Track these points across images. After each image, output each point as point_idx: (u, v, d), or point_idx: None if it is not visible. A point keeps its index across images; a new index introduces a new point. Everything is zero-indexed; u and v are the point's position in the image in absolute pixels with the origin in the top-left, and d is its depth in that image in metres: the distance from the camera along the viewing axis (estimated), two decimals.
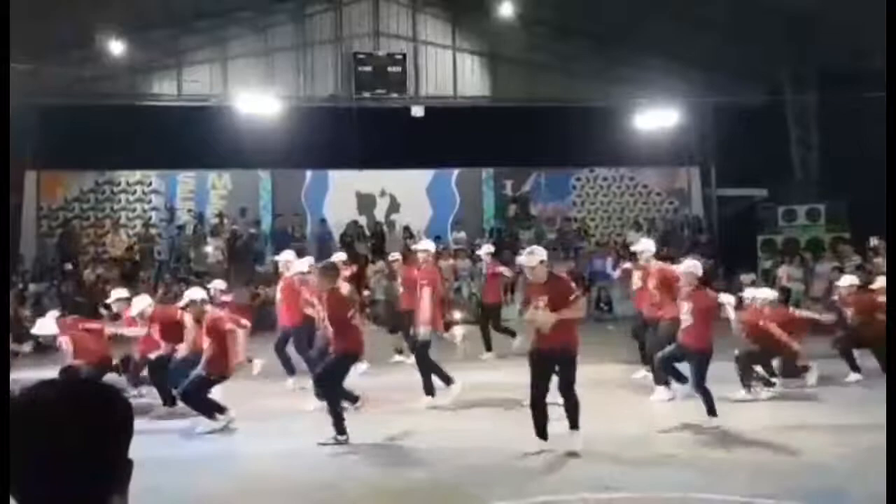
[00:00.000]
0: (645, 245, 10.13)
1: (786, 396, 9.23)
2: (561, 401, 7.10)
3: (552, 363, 7.02)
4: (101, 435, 1.25)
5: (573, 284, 7.34)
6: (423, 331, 9.19)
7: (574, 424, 7.02)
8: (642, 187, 23.26)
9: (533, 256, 7.01)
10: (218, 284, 11.08)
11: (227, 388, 8.60)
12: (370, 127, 20.60)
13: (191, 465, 7.00)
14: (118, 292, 10.40)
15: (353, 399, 8.30)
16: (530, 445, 6.97)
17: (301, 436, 7.90)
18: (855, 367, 10.26)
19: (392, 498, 6.10)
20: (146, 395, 9.41)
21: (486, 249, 13.47)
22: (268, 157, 20.74)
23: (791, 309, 11.37)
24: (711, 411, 7.83)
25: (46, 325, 9.53)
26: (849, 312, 10.59)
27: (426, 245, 10.11)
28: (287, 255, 11.06)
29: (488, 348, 12.76)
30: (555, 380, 7.07)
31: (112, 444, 1.27)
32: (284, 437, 7.92)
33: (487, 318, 13.05)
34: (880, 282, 10.57)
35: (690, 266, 8.41)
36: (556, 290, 6.99)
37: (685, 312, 8.09)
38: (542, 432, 6.98)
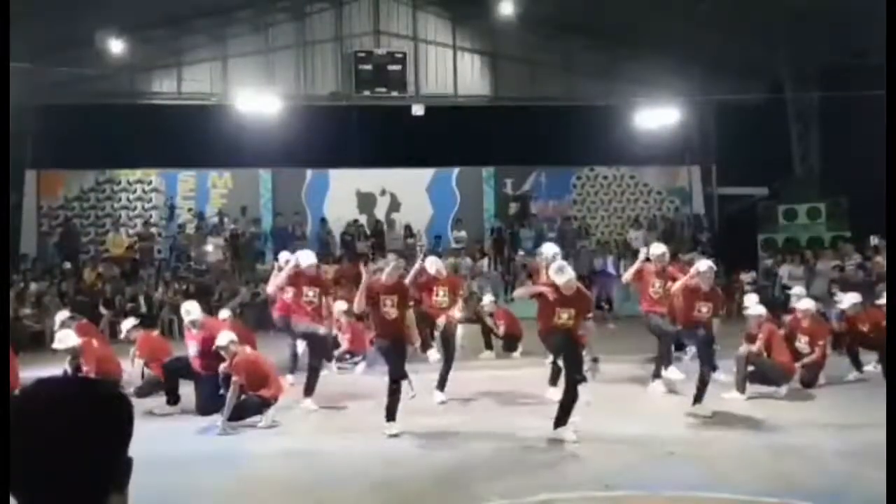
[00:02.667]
0: (661, 248, 10.14)
1: (788, 395, 9.22)
2: (558, 398, 7.42)
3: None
4: (100, 432, 1.25)
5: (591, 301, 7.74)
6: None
7: (564, 421, 7.23)
8: (643, 186, 23.24)
9: (567, 276, 7.29)
10: (223, 314, 10.99)
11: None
12: (370, 126, 20.62)
13: (191, 464, 7.00)
14: (128, 322, 10.33)
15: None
16: (537, 440, 7.08)
17: (303, 434, 7.91)
18: (858, 366, 10.26)
19: (393, 495, 6.10)
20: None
21: (488, 298, 13.63)
22: (268, 155, 20.74)
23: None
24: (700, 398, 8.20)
25: (67, 338, 9.28)
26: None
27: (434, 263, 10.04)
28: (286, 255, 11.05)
29: (488, 346, 12.88)
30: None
31: (112, 441, 1.27)
32: (285, 436, 7.92)
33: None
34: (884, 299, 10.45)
35: (708, 265, 8.53)
36: (581, 303, 7.46)
37: (705, 312, 8.16)
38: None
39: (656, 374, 9.60)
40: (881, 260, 15.95)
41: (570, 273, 7.36)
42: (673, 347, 10.05)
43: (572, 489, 5.94)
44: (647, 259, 10.02)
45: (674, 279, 9.52)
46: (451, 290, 9.57)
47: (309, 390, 9.03)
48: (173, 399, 9.12)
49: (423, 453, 7.12)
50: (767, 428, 7.77)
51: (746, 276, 18.85)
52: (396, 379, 7.67)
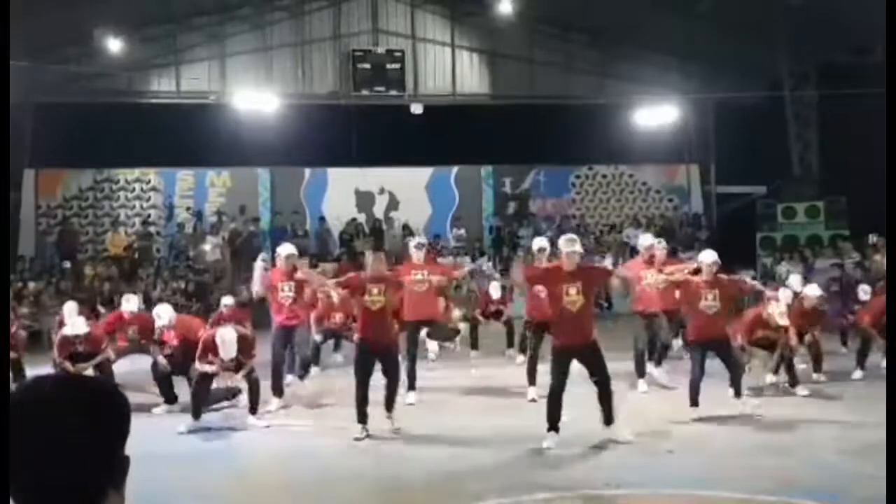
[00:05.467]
0: (649, 239, 10.15)
1: (787, 392, 9.22)
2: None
3: (575, 355, 7.19)
4: (97, 430, 1.24)
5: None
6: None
7: (611, 418, 7.19)
8: (641, 184, 23.23)
9: (575, 244, 7.28)
10: (226, 300, 10.96)
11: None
12: (369, 124, 20.58)
13: (189, 462, 6.99)
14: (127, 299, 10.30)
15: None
16: (533, 441, 7.04)
17: (301, 434, 7.90)
18: (862, 366, 10.21)
19: (391, 494, 6.09)
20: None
21: (494, 286, 13.60)
22: (267, 154, 20.71)
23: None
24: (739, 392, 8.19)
25: (78, 325, 9.20)
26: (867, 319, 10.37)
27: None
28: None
29: (474, 346, 12.88)
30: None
31: (108, 439, 1.26)
32: (284, 436, 7.91)
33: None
34: None
35: (711, 255, 8.47)
36: (587, 277, 7.36)
37: (711, 300, 8.10)
38: (556, 426, 7.09)
39: (641, 374, 9.64)
40: (880, 258, 15.97)
41: (577, 246, 7.29)
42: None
43: (571, 488, 5.94)
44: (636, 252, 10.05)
45: (661, 270, 9.44)
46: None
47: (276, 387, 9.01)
48: (171, 399, 9.09)
49: (422, 452, 7.11)
50: (766, 426, 7.76)
51: (745, 275, 18.83)
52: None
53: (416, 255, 9.48)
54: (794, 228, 20.55)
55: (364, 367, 7.62)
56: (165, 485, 5.85)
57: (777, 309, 9.14)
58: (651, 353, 9.84)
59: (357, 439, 7.41)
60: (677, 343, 10.63)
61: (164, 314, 9.14)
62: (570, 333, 7.17)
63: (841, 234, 19.61)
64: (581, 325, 7.15)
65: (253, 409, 8.19)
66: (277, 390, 8.95)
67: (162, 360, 9.08)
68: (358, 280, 7.87)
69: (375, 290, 7.65)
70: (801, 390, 9.15)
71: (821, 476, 6.15)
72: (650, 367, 9.70)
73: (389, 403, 7.69)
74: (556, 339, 7.33)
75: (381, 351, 7.66)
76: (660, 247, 10.07)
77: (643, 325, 9.68)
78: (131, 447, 1.28)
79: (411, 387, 9.08)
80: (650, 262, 9.75)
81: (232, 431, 8.01)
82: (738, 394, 8.16)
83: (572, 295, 7.14)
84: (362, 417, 7.51)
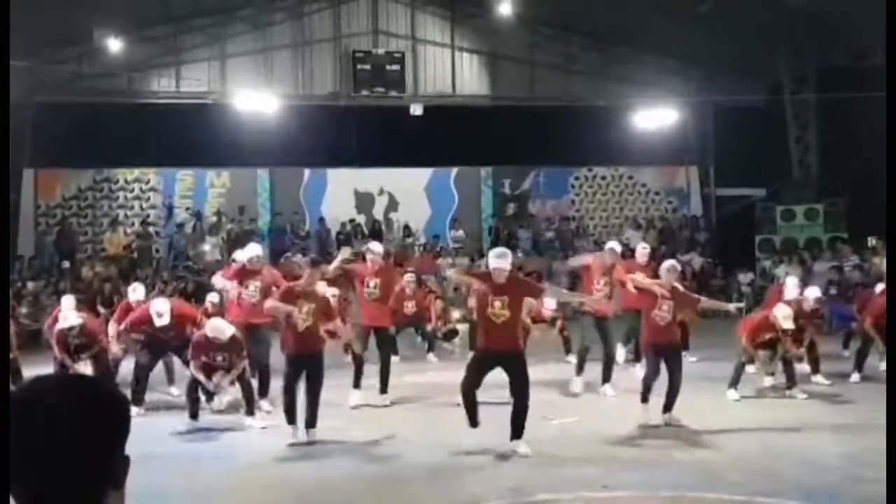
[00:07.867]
0: (617, 246, 10.14)
1: (785, 395, 9.23)
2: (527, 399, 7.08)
3: (498, 363, 7.04)
4: (97, 430, 1.25)
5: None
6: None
7: (521, 432, 6.96)
8: (641, 186, 23.23)
9: (501, 262, 7.02)
10: (211, 297, 10.93)
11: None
12: (369, 125, 20.57)
13: (187, 462, 6.99)
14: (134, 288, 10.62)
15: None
16: (532, 442, 6.99)
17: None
18: (860, 368, 10.20)
19: (390, 495, 6.09)
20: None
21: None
22: (266, 155, 20.70)
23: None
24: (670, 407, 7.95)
25: (70, 317, 9.26)
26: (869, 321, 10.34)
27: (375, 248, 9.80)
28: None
29: (472, 348, 12.89)
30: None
31: (108, 439, 1.26)
32: (280, 436, 7.91)
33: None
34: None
35: (672, 264, 8.46)
36: (516, 293, 7.11)
37: (665, 311, 8.03)
38: (476, 421, 7.05)
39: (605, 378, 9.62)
40: (878, 261, 15.99)
41: (506, 261, 7.04)
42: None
43: (570, 489, 5.94)
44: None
45: (622, 282, 9.30)
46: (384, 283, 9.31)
47: (263, 390, 8.92)
48: (138, 400, 8.81)
49: (421, 454, 7.10)
50: (765, 428, 7.76)
51: (744, 277, 18.89)
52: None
53: (371, 260, 9.37)
54: (793, 231, 20.56)
55: (293, 381, 7.52)
56: (164, 485, 5.85)
57: (783, 312, 9.15)
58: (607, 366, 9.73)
59: (291, 445, 7.37)
60: (622, 354, 10.80)
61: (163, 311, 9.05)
62: (494, 341, 6.96)
63: (840, 236, 19.62)
64: (505, 336, 6.97)
65: (249, 410, 8.20)
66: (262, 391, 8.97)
67: (144, 357, 9.07)
68: (293, 292, 7.70)
69: (305, 309, 7.54)
70: (799, 393, 9.16)
71: (819, 478, 6.15)
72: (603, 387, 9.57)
73: (312, 417, 7.52)
74: (480, 343, 7.19)
75: (309, 363, 7.54)
76: (613, 249, 9.94)
77: (592, 328, 9.61)
78: (130, 447, 1.29)
79: (357, 386, 9.06)
80: (611, 268, 9.61)
81: (229, 432, 8.01)
82: (667, 409, 7.89)
83: (497, 307, 6.93)
84: (292, 420, 7.48)
